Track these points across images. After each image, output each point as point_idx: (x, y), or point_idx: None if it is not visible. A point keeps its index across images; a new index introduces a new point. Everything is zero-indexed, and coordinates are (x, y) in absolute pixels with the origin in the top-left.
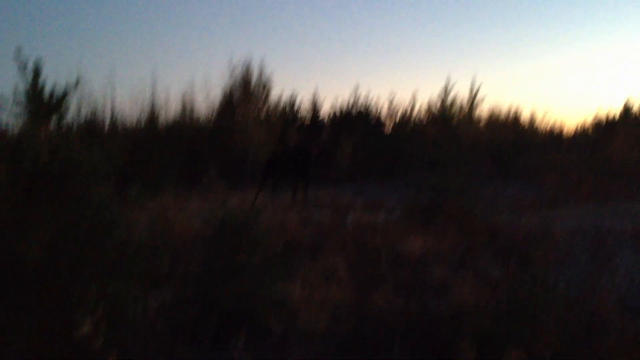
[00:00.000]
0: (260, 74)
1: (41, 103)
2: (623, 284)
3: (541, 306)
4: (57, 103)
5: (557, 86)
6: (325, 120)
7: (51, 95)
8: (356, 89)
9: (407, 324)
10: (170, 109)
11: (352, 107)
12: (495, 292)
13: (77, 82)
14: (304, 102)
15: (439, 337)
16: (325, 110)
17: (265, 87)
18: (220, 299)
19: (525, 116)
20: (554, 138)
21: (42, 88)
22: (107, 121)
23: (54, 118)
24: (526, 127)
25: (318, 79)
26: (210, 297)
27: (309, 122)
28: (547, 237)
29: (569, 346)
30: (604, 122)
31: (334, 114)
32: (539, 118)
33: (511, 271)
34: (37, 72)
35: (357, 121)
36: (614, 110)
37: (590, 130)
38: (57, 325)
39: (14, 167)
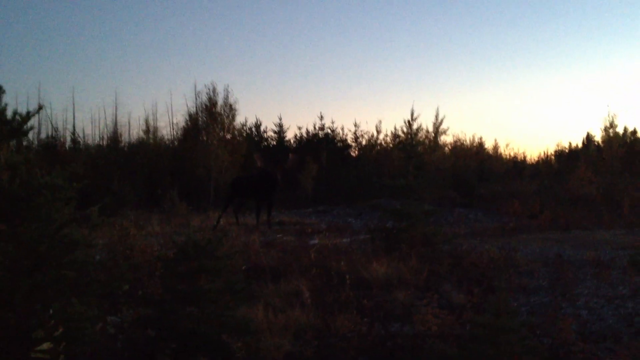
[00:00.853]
0: (226, 98)
1: (2, 125)
2: (584, 311)
3: (506, 331)
4: (19, 125)
5: (521, 116)
6: (291, 143)
7: (14, 116)
8: (321, 115)
9: (370, 348)
10: (132, 131)
11: (317, 131)
12: (460, 317)
13: (40, 107)
14: (268, 128)
15: (399, 359)
16: (291, 135)
17: (231, 111)
18: (181, 321)
19: (489, 145)
20: (517, 166)
21: (4, 110)
22: (68, 142)
23: (15, 140)
24: (490, 155)
25: (283, 106)
26: (170, 319)
27: (273, 146)
28: (509, 264)
29: None
30: (567, 152)
31: (300, 137)
32: (502, 147)
33: (475, 297)
34: None
35: (322, 145)
36: (576, 140)
37: (552, 160)
38: (15, 344)
39: None
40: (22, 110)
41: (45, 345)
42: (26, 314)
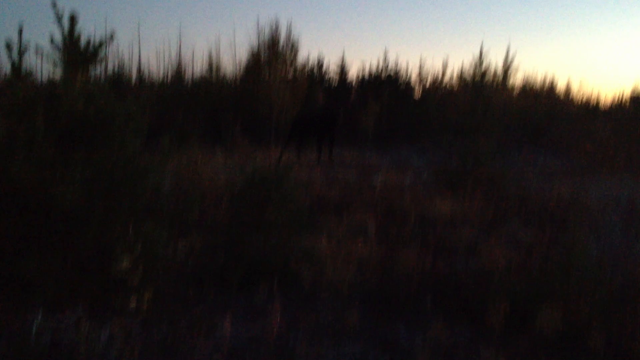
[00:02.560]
0: (288, 35)
1: (77, 53)
2: None
3: (577, 267)
4: (93, 53)
5: (596, 57)
6: (353, 83)
7: (87, 45)
8: (385, 53)
9: (435, 281)
10: (196, 66)
11: (381, 71)
12: (528, 254)
13: (112, 34)
14: (331, 65)
15: (468, 295)
16: (353, 73)
17: (292, 48)
18: (248, 248)
19: (560, 86)
20: (589, 110)
21: (78, 38)
22: (134, 76)
23: (89, 68)
24: (561, 98)
25: (346, 42)
26: (238, 246)
27: (336, 84)
28: (579, 205)
29: (603, 307)
30: None
31: (362, 77)
32: (574, 89)
33: (547, 234)
34: (73, 23)
35: (385, 85)
36: None
37: (627, 103)
38: (96, 260)
39: (51, 114)
40: (96, 40)
41: (125, 262)
42: (104, 236)
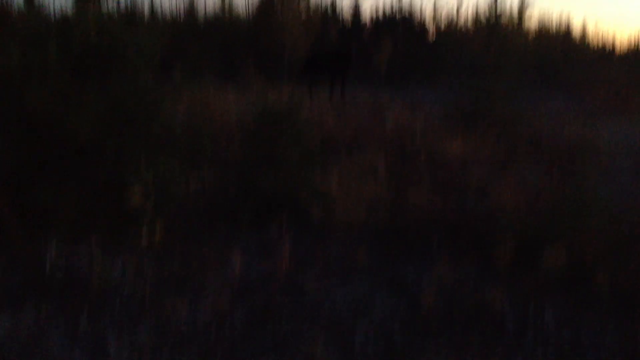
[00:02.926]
0: None
1: None
2: None
3: (584, 209)
4: None
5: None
6: (367, 23)
7: None
8: None
9: (444, 220)
10: (209, 3)
11: (395, 11)
12: (538, 195)
13: None
14: (344, 4)
15: (477, 234)
16: (367, 14)
17: None
18: (260, 184)
19: (576, 29)
20: (605, 53)
21: None
22: (147, 11)
23: (101, 1)
24: (577, 41)
25: None
26: (250, 181)
27: (349, 24)
28: (590, 147)
29: (609, 248)
30: None
31: (376, 17)
32: (591, 31)
33: (555, 176)
34: None
35: (399, 26)
36: None
37: None
38: (109, 193)
39: (65, 46)
40: None
41: (137, 190)
42: (118, 167)
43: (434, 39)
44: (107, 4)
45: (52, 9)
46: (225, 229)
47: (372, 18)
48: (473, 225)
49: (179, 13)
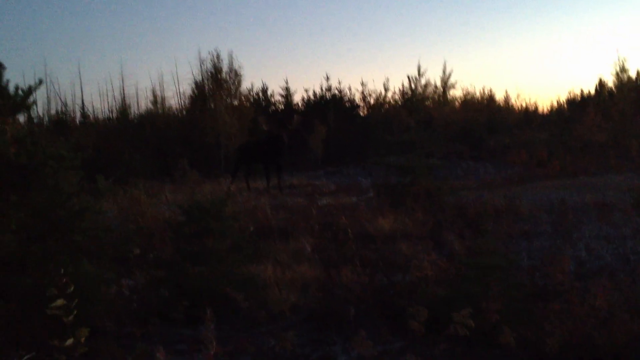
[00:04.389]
0: (231, 65)
1: (6, 99)
2: (583, 252)
3: (492, 269)
4: (22, 100)
5: (532, 65)
6: (299, 106)
7: (16, 92)
8: (327, 76)
9: (371, 296)
10: (140, 102)
11: (324, 92)
12: (452, 261)
13: (40, 81)
14: (275, 92)
15: (398, 307)
16: (298, 98)
17: (236, 77)
18: (191, 280)
19: (499, 97)
20: (528, 116)
21: (6, 86)
22: (78, 114)
23: (21, 113)
24: (501, 107)
25: (289, 69)
26: (181, 279)
27: (281, 110)
28: (512, 212)
29: (516, 307)
30: (579, 99)
31: (307, 100)
32: (513, 97)
33: (467, 241)
34: (0, 70)
35: (330, 106)
36: (589, 87)
37: (565, 107)
38: (33, 306)
39: None
40: (25, 86)
41: (59, 302)
42: (40, 276)
43: (364, 115)
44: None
45: None
46: (157, 328)
47: (304, 100)
48: (398, 298)
49: (111, 113)
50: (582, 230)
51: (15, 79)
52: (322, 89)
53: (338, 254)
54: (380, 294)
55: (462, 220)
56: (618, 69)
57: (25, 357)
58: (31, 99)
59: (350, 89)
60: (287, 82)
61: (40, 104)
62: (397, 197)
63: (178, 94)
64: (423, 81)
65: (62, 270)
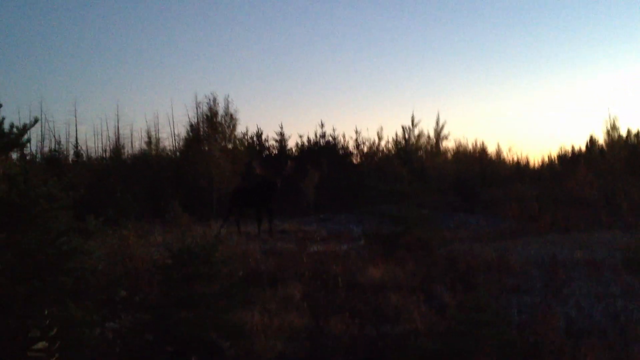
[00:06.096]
0: (226, 108)
1: (0, 136)
2: (573, 310)
3: (483, 325)
4: (16, 137)
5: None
6: (293, 152)
7: (10, 129)
8: (322, 123)
9: (360, 348)
10: (135, 143)
11: (319, 139)
12: (443, 315)
13: (36, 119)
14: (270, 137)
15: (386, 358)
16: (292, 143)
17: (231, 120)
18: (177, 325)
19: (491, 149)
20: (520, 170)
21: (1, 123)
22: (71, 155)
23: (14, 151)
24: (492, 160)
25: (284, 114)
26: (167, 323)
27: (274, 155)
28: (503, 266)
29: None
30: (570, 155)
31: (302, 146)
32: (505, 151)
33: (459, 295)
34: None
35: (324, 153)
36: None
37: (556, 161)
38: (13, 343)
39: None
40: (19, 124)
41: (41, 345)
42: (24, 317)
43: (357, 163)
44: (23, 153)
45: None
46: None
47: (297, 146)
48: (385, 352)
49: (105, 151)
50: (572, 287)
51: (11, 116)
52: (316, 135)
53: (327, 302)
54: (369, 345)
55: (453, 272)
56: (609, 127)
57: None
58: (25, 137)
59: (344, 136)
60: (281, 127)
61: (34, 141)
62: (388, 247)
63: (173, 135)
64: (416, 131)
65: (46, 312)
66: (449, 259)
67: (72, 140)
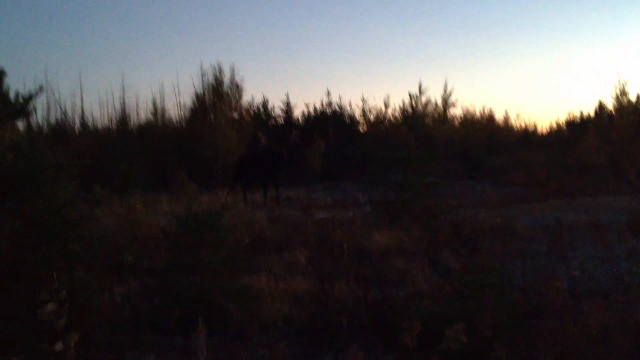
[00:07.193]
0: (232, 78)
1: (5, 106)
2: (577, 272)
3: (486, 287)
4: (22, 106)
5: (532, 86)
6: (299, 120)
7: (16, 98)
8: (328, 91)
9: (364, 310)
10: (140, 112)
11: (325, 108)
12: (448, 279)
13: (41, 87)
14: (276, 106)
15: (391, 321)
16: (298, 112)
17: (237, 90)
18: (184, 290)
19: (499, 116)
20: (527, 136)
21: (7, 92)
22: (78, 126)
23: (20, 120)
24: (500, 127)
25: (290, 83)
26: (174, 289)
27: (280, 124)
28: (508, 231)
29: (510, 324)
30: (578, 121)
31: (308, 114)
32: (512, 118)
33: (463, 259)
34: (1, 77)
35: (330, 121)
36: (589, 109)
37: (564, 128)
38: (23, 307)
39: None
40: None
41: (50, 306)
42: (33, 281)
43: (364, 132)
44: (29, 122)
45: None
46: (149, 338)
47: (304, 115)
48: (388, 314)
49: (111, 121)
50: (577, 250)
51: (16, 86)
52: (322, 104)
53: (332, 267)
54: (373, 308)
55: (458, 238)
56: (618, 92)
57: None
58: (31, 105)
59: (350, 105)
60: (287, 97)
61: (40, 112)
62: (393, 214)
63: (178, 105)
64: (424, 99)
65: (55, 277)
66: (454, 225)
67: (78, 110)
